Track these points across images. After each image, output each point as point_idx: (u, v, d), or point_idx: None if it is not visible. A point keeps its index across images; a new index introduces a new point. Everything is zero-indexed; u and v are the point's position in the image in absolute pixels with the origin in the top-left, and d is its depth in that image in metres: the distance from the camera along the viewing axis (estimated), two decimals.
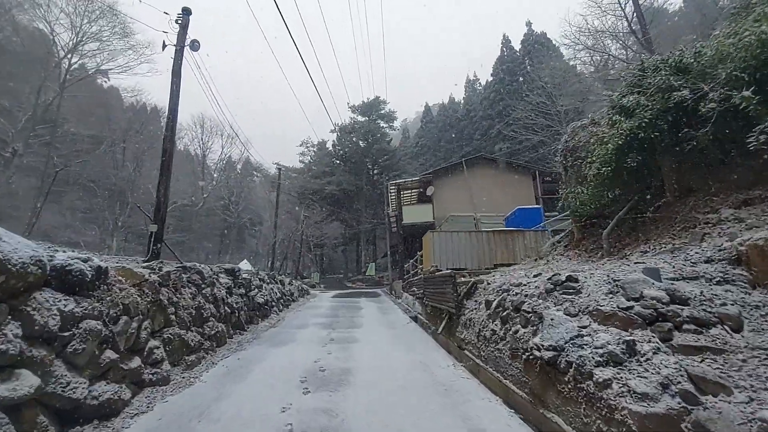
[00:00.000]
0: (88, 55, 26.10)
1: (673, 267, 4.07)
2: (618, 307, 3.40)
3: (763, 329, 2.96)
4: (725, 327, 3.02)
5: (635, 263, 4.60)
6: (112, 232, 28.58)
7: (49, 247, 4.00)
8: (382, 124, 50.61)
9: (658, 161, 6.13)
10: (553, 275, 4.35)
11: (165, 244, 7.32)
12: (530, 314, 4.20)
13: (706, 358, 2.78)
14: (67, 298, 3.16)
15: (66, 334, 3.03)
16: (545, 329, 3.69)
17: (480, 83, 57.25)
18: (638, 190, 6.52)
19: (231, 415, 3.60)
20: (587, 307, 3.64)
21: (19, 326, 2.70)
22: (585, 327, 3.44)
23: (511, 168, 23.93)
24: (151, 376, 4.12)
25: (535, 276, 5.36)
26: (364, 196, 45.38)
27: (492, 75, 49.32)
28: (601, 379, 2.87)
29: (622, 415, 2.61)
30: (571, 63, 29.87)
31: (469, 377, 4.87)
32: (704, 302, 3.22)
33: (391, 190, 27.29)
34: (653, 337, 3.09)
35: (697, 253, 4.26)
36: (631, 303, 3.40)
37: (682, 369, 2.68)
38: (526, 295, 4.57)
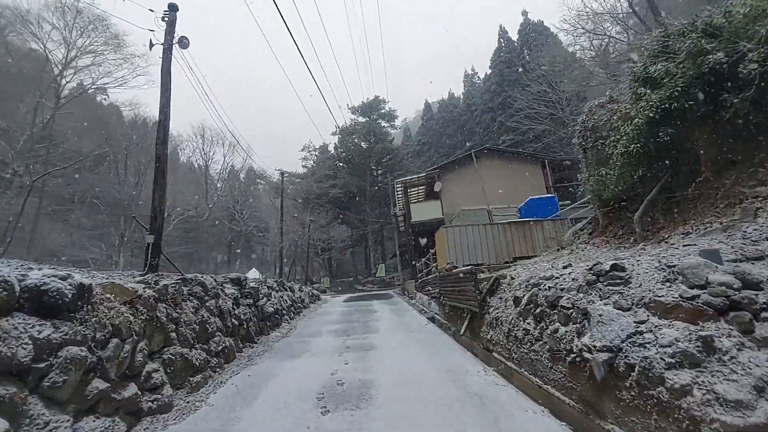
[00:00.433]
0: (83, 71, 25.98)
1: (732, 247, 3.59)
2: (681, 297, 2.92)
3: None
4: None
5: (684, 246, 4.10)
6: (119, 247, 28.36)
7: (21, 265, 3.57)
8: (383, 123, 50.13)
9: (691, 134, 5.61)
10: (594, 265, 3.87)
11: (164, 255, 6.90)
12: (571, 310, 3.72)
13: None
14: (43, 322, 2.73)
15: (42, 365, 2.61)
16: (594, 327, 3.21)
17: (479, 77, 56.62)
18: (669, 167, 5.99)
19: None
20: (642, 299, 3.16)
21: None
22: (643, 322, 2.97)
23: (519, 158, 23.33)
24: (150, 403, 3.66)
25: (564, 267, 4.90)
26: (368, 197, 44.97)
27: (490, 67, 48.87)
28: (677, 385, 2.40)
29: (712, 429, 2.15)
30: (570, 50, 29.18)
31: (504, 384, 4.37)
32: None
33: (398, 189, 26.80)
34: (732, 330, 2.61)
35: (755, 230, 3.77)
36: (696, 291, 2.91)
37: None
38: (561, 289, 4.10)
